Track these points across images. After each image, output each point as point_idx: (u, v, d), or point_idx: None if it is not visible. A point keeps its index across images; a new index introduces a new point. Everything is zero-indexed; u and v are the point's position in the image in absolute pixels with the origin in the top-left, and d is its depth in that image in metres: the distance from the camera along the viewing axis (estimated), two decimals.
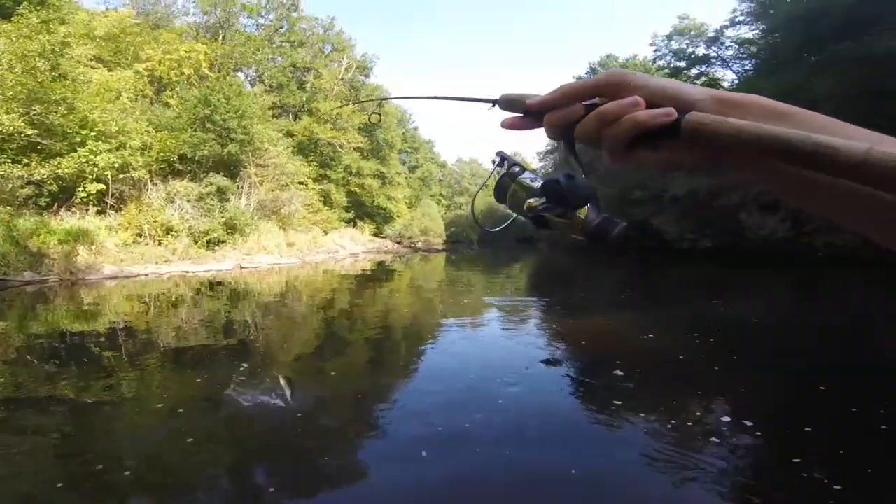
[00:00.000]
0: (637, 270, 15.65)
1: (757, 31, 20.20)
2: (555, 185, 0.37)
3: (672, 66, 25.40)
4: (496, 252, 28.31)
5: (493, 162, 0.46)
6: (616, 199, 21.26)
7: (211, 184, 15.85)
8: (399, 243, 31.26)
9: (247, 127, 16.76)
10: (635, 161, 0.34)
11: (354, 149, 28.10)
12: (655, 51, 26.08)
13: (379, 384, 4.27)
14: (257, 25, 28.41)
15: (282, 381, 2.75)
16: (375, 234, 30.73)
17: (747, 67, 22.02)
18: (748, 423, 3.11)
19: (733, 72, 23.16)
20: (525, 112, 0.39)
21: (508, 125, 0.41)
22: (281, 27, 28.98)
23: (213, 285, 10.90)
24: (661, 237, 18.89)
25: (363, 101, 29.88)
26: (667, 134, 0.32)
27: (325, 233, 23.63)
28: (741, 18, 20.38)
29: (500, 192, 0.44)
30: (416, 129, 45.54)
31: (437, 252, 28.00)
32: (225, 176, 16.50)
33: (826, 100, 14.01)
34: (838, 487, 2.34)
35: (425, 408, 3.43)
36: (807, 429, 3.06)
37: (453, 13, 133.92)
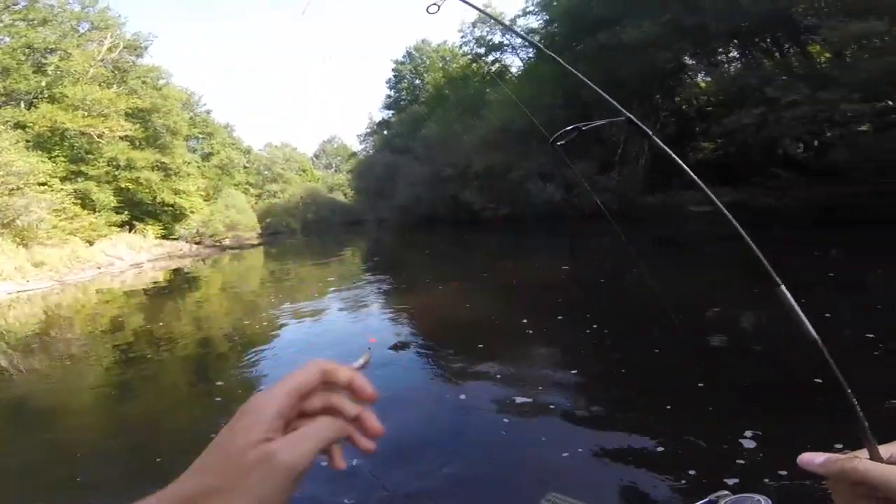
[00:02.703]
0: (452, 240, 17.24)
1: (540, 21, 22.19)
2: None
3: (474, 52, 27.58)
4: (323, 239, 26.93)
5: None
6: (431, 178, 22.79)
7: None
8: (199, 243, 26.76)
9: None
10: None
11: (121, 138, 22.89)
12: (462, 37, 27.84)
13: (198, 404, 3.65)
14: None
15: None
16: (164, 237, 25.80)
17: (531, 54, 24.45)
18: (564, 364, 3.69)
19: (520, 59, 25.99)
20: None
21: None
22: (15, 3, 22.14)
23: None
24: (470, 208, 21.09)
25: None
26: None
27: (90, 243, 18.81)
28: (531, 9, 22.15)
29: None
30: (208, 112, 39.88)
31: (252, 247, 25.19)
32: None
33: (583, 86, 17.23)
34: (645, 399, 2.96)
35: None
36: (613, 363, 3.81)
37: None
